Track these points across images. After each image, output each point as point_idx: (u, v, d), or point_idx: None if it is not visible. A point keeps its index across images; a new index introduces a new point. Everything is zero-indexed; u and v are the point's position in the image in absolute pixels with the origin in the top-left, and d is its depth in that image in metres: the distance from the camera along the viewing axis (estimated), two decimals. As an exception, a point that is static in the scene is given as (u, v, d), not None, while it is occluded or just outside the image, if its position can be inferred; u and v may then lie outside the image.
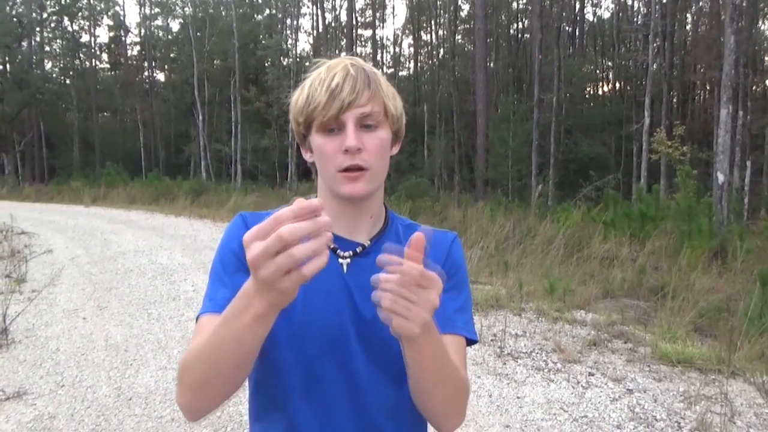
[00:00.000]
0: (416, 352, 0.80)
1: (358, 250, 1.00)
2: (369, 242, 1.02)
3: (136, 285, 6.93)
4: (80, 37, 38.96)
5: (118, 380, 4.01)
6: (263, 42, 32.29)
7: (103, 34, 47.07)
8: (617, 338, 4.87)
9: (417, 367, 0.83)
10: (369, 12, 39.79)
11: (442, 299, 0.99)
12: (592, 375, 4.10)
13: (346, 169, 0.94)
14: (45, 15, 35.52)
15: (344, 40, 30.76)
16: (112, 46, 42.09)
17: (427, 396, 0.89)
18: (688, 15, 27.94)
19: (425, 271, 0.73)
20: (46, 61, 37.60)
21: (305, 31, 42.21)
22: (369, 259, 0.98)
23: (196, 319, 0.96)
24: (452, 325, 0.98)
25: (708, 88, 26.80)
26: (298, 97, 0.97)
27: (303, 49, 37.95)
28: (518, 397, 3.74)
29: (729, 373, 4.00)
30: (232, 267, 0.96)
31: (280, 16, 36.24)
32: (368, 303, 0.80)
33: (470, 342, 1.01)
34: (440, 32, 34.88)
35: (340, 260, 0.99)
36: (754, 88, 21.70)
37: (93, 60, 40.20)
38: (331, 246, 0.99)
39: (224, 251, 0.99)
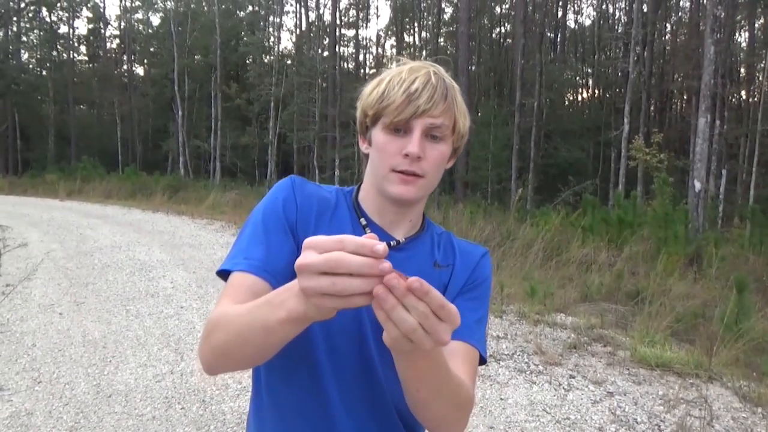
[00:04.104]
0: (407, 364, 0.75)
1: (392, 243, 1.00)
2: (404, 240, 1.02)
3: (113, 281, 6.83)
4: (58, 28, 38.27)
5: (97, 377, 3.94)
6: (245, 39, 32.11)
7: (82, 26, 46.42)
8: (597, 341, 4.92)
9: (409, 380, 0.79)
10: (353, 12, 39.79)
11: (463, 306, 0.95)
12: (573, 377, 4.13)
13: (402, 171, 0.94)
14: (23, 4, 34.84)
15: (327, 39, 30.66)
16: (91, 38, 41.45)
17: (420, 408, 0.85)
18: (668, 25, 28.41)
19: (447, 303, 0.63)
20: (22, 51, 36.87)
21: (288, 29, 42.15)
22: (401, 255, 0.99)
23: (223, 272, 0.93)
24: (469, 335, 0.96)
25: (685, 97, 27.27)
26: (372, 90, 0.97)
27: (285, 47, 37.88)
28: (501, 399, 3.75)
29: (707, 378, 4.06)
30: (273, 225, 0.96)
31: (263, 13, 36.14)
32: None
33: (481, 361, 0.99)
34: (423, 34, 34.99)
35: None
36: (730, 98, 22.12)
37: (71, 52, 39.51)
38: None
39: (268, 208, 0.98)
